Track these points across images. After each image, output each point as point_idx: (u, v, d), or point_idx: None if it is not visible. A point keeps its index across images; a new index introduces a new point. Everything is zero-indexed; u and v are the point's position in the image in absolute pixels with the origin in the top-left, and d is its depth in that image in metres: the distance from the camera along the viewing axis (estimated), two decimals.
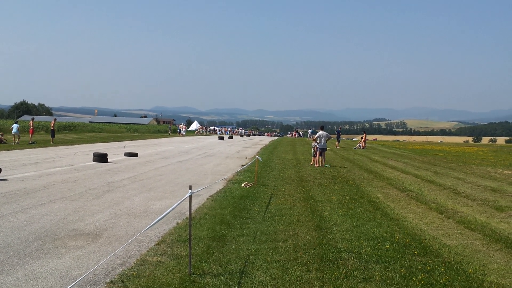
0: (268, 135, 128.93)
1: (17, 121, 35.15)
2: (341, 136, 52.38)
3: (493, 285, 6.33)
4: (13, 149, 27.87)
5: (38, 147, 30.73)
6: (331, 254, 7.39)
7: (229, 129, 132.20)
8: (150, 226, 5.87)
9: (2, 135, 34.21)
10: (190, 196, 6.38)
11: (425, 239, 8.69)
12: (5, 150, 27.06)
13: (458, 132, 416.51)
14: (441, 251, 7.88)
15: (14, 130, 34.20)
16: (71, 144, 35.80)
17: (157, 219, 5.83)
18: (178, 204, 6.24)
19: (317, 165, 23.03)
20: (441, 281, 6.33)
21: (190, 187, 6.40)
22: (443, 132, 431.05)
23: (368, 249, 7.72)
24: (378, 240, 8.41)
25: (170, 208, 6.05)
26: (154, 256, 7.07)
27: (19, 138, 34.49)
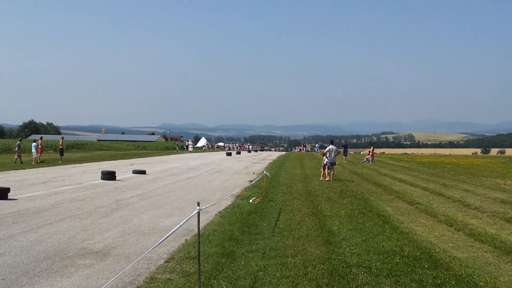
0: (276, 150, 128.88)
1: (35, 140, 35.13)
2: (348, 150, 52.23)
3: None
4: (22, 168, 27.95)
5: (46, 166, 30.83)
6: (341, 268, 7.36)
7: (237, 144, 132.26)
8: (159, 244, 5.87)
9: (20, 155, 34.03)
10: (199, 213, 6.36)
11: (435, 252, 8.64)
12: (14, 169, 27.18)
13: (466, 144, 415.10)
14: (452, 264, 7.83)
15: (33, 149, 34.05)
16: (79, 163, 35.87)
17: (165, 237, 5.83)
18: (186, 220, 6.24)
19: (327, 179, 22.99)
20: None
21: (198, 204, 6.38)
22: (451, 144, 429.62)
23: (378, 263, 7.68)
24: (388, 254, 8.37)
25: (178, 225, 6.05)
26: (163, 273, 7.05)
27: (36, 157, 34.19)
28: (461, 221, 12.08)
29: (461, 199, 16.62)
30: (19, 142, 34.90)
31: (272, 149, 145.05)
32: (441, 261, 8.01)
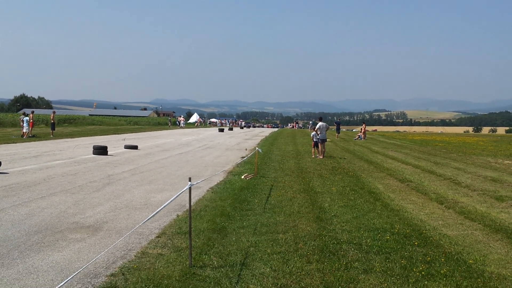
0: (268, 127, 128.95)
1: (26, 114, 34.77)
2: (341, 127, 52.27)
3: (493, 275, 6.33)
4: (13, 142, 27.81)
5: (38, 140, 30.68)
6: (331, 245, 7.40)
7: (230, 120, 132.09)
8: (149, 218, 5.88)
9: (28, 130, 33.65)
10: (190, 188, 6.36)
11: (426, 230, 8.69)
12: (4, 143, 27.03)
13: (459, 123, 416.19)
14: (442, 242, 7.88)
15: (24, 124, 33.76)
16: (71, 137, 35.76)
17: (156, 211, 5.84)
18: (177, 196, 6.25)
19: (320, 156, 23.01)
20: (442, 271, 6.33)
21: (190, 179, 6.39)
22: (443, 123, 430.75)
23: (368, 240, 7.73)
24: (378, 231, 8.41)
25: (169, 200, 6.07)
26: (154, 248, 7.07)
27: (28, 131, 33.89)
28: (452, 199, 12.14)
29: (452, 177, 16.69)
30: (23, 116, 34.37)
31: (264, 126, 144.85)
32: (431, 238, 8.06)
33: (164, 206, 5.97)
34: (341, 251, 7.10)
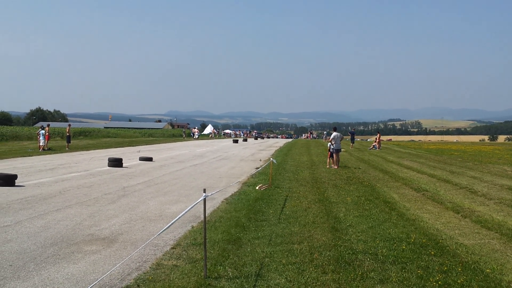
0: (282, 137, 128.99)
1: (43, 127, 34.98)
2: (355, 137, 52.07)
3: (511, 285, 6.26)
4: (29, 156, 28.04)
5: (53, 153, 30.92)
6: (347, 255, 7.35)
7: (244, 131, 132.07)
8: (164, 230, 5.89)
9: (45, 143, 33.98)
10: (205, 199, 6.37)
11: (442, 239, 8.62)
12: (21, 156, 27.26)
13: (474, 131, 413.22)
14: (458, 251, 7.81)
15: (40, 137, 34.00)
16: (86, 150, 35.99)
17: (171, 222, 5.85)
18: (192, 207, 6.26)
19: (335, 166, 22.96)
20: (459, 281, 6.27)
21: (204, 190, 6.39)
22: (458, 132, 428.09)
23: (384, 250, 7.67)
24: (394, 240, 8.35)
25: (184, 211, 6.08)
26: (169, 260, 7.08)
27: (43, 144, 34.07)
28: (468, 208, 12.04)
29: (468, 186, 16.56)
30: (41, 129, 34.59)
31: (278, 136, 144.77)
32: (447, 248, 7.99)
33: (179, 218, 5.98)
34: (356, 261, 7.06)
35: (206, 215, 10.59)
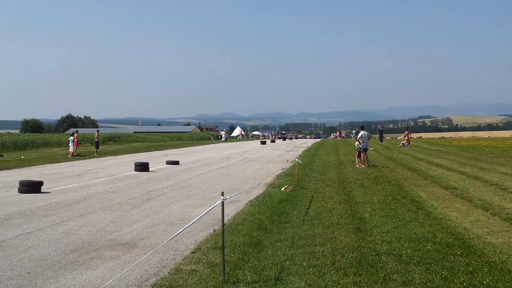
0: (310, 138, 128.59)
1: (73, 133, 35.38)
2: (384, 135, 51.49)
3: None
4: (58, 162, 28.31)
5: (82, 159, 31.20)
6: (370, 257, 7.16)
7: (272, 132, 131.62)
8: (174, 237, 5.78)
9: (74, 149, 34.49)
10: (223, 203, 6.26)
11: (469, 238, 8.35)
12: (50, 163, 27.54)
13: (506, 126, 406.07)
14: (485, 250, 7.54)
15: (70, 143, 34.45)
16: (115, 155, 36.23)
17: (182, 229, 5.78)
18: (208, 211, 6.16)
19: (363, 166, 22.71)
20: (484, 282, 6.03)
21: (222, 194, 6.27)
22: (490, 127, 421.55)
23: (408, 251, 7.45)
24: (419, 240, 8.12)
25: (197, 218, 5.97)
26: (188, 264, 6.97)
27: (73, 150, 34.41)
28: (498, 206, 11.70)
29: (498, 182, 16.15)
30: (71, 136, 35.05)
31: (307, 137, 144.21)
32: (474, 247, 7.72)
33: (192, 223, 5.89)
34: (379, 263, 6.86)
35: (230, 218, 10.53)
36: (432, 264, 6.77)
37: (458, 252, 7.35)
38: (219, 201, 6.23)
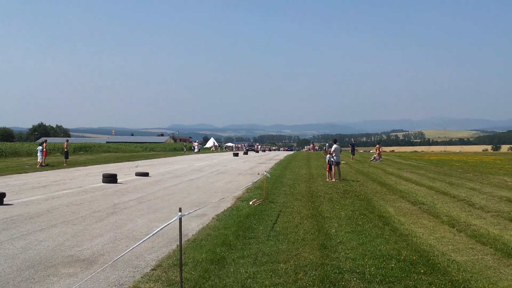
0: (284, 150, 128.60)
1: (41, 143, 34.91)
2: (355, 148, 51.70)
3: None
4: (25, 172, 27.81)
5: (50, 169, 30.73)
6: (333, 275, 7.06)
7: (246, 144, 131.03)
8: (126, 253, 5.62)
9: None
10: (180, 219, 6.12)
11: (434, 256, 8.31)
12: (16, 173, 27.03)
13: (477, 141, 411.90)
14: (449, 269, 7.50)
15: (38, 153, 34.01)
16: (84, 165, 35.71)
17: (136, 244, 5.58)
18: (162, 228, 5.99)
19: (334, 180, 22.72)
20: None
21: (180, 210, 6.13)
22: (461, 142, 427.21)
23: (372, 269, 7.38)
24: (384, 258, 8.05)
25: (149, 236, 5.81)
26: (147, 282, 6.79)
27: (41, 160, 33.93)
28: (464, 222, 11.73)
29: (466, 198, 16.24)
30: (40, 146, 34.61)
31: (280, 149, 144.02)
32: (438, 265, 7.68)
33: (144, 240, 5.71)
34: (342, 281, 6.77)
35: (195, 233, 10.37)
36: (395, 283, 6.70)
37: (422, 270, 7.30)
38: (176, 217, 6.09)
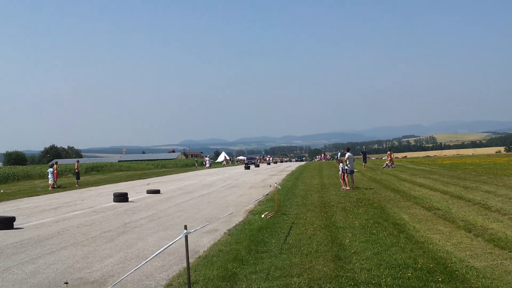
0: (294, 161, 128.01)
1: (52, 165, 34.94)
2: (367, 156, 51.41)
3: None
4: (37, 195, 27.79)
5: (62, 191, 30.69)
6: (347, 287, 6.85)
7: (257, 157, 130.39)
8: (132, 272, 5.45)
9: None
10: (186, 237, 5.95)
11: (451, 263, 8.08)
12: (28, 196, 27.02)
13: (489, 143, 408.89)
14: (468, 275, 7.27)
15: (49, 175, 34.02)
16: (96, 185, 35.69)
17: (141, 264, 5.41)
18: (168, 246, 5.82)
19: (348, 188, 22.52)
20: None
21: (185, 227, 5.97)
22: (474, 144, 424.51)
23: (388, 279, 7.16)
24: (400, 267, 7.83)
25: (154, 254, 5.64)
26: None
27: (53, 182, 33.94)
28: (481, 226, 11.47)
29: (481, 201, 15.95)
30: (50, 168, 34.66)
31: (292, 160, 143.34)
32: (456, 272, 7.45)
33: (148, 260, 5.54)
34: None
35: (206, 249, 10.19)
36: None
37: (440, 279, 7.08)
38: (182, 235, 5.93)
